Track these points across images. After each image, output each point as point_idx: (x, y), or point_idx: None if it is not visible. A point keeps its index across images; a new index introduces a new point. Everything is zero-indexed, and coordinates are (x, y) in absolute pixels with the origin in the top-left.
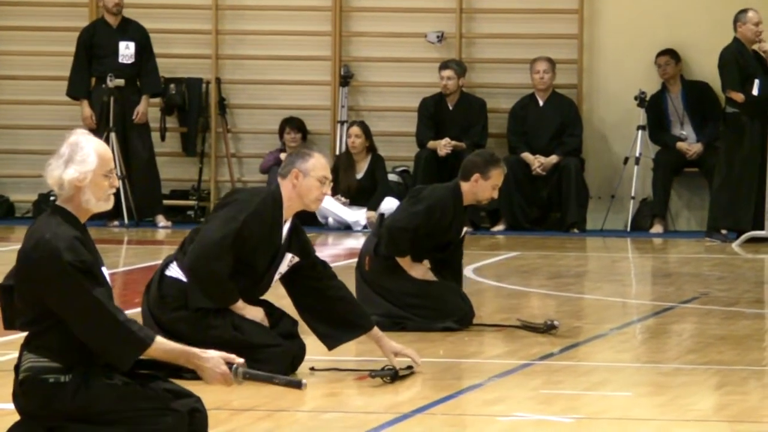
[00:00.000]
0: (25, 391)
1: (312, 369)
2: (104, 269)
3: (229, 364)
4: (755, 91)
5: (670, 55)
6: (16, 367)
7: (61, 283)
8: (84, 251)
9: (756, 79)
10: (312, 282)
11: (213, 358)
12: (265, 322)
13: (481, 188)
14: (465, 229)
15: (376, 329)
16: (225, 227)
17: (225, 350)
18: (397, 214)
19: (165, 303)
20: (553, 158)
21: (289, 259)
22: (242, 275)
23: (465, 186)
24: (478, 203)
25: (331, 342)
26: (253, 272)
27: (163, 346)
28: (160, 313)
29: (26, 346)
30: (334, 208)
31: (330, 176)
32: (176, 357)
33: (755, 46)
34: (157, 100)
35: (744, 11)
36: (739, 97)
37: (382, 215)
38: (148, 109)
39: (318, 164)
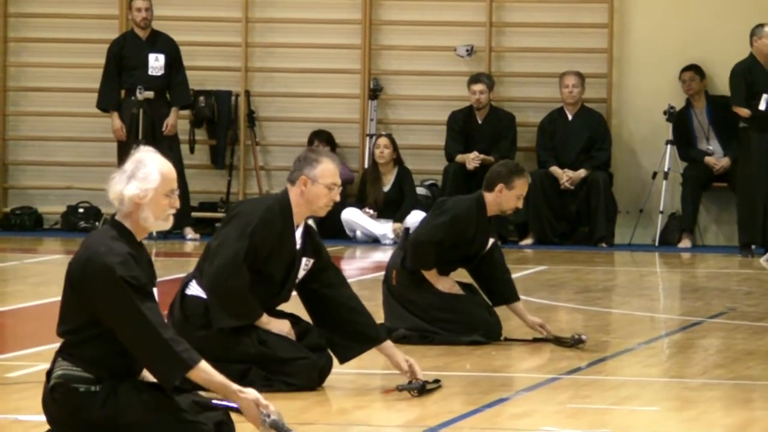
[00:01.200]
0: (55, 398)
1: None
2: (155, 290)
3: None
4: (762, 106)
5: (694, 70)
6: (48, 373)
7: (111, 297)
8: (136, 268)
9: (765, 93)
10: (323, 288)
11: (247, 398)
12: (292, 335)
13: (505, 198)
14: (491, 240)
15: (388, 342)
16: (235, 244)
17: (252, 365)
18: (421, 228)
19: (189, 323)
20: (582, 172)
21: (304, 264)
22: (261, 286)
23: (489, 197)
24: (503, 213)
25: (342, 353)
26: (272, 282)
27: (205, 372)
28: (185, 333)
29: (61, 354)
30: (361, 220)
31: (339, 182)
32: (215, 387)
33: None
34: (187, 112)
35: (761, 26)
36: (743, 112)
37: (407, 229)
38: (177, 121)
39: (327, 171)
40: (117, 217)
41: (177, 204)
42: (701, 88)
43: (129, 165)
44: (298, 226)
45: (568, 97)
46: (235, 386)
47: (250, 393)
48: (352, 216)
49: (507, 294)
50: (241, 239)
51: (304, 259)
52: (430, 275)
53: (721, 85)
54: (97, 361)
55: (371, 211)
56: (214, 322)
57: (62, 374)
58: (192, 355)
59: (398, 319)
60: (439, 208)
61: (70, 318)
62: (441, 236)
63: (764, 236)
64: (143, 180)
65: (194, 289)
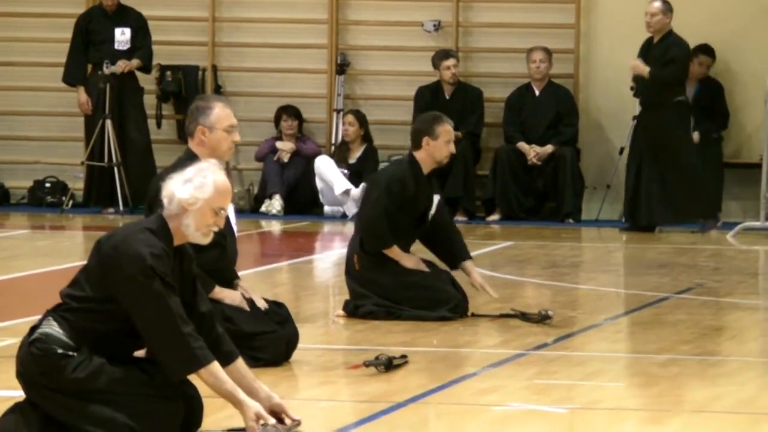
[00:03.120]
0: (32, 351)
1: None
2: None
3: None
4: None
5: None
6: (33, 328)
7: (138, 282)
8: (167, 265)
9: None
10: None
11: (250, 409)
12: (244, 305)
13: (435, 148)
14: (437, 197)
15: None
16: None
17: None
18: (363, 208)
19: None
20: (549, 148)
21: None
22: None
23: (420, 154)
24: (440, 164)
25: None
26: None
27: (215, 374)
28: None
29: (53, 313)
30: (330, 171)
31: (236, 123)
32: (223, 392)
33: None
34: (153, 87)
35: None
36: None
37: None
38: (130, 67)
39: (221, 115)
40: (163, 214)
41: (221, 224)
42: None
43: (191, 170)
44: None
45: (536, 73)
46: (242, 395)
47: (253, 405)
48: (324, 164)
49: (460, 252)
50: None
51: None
52: (394, 253)
53: None
54: (85, 334)
55: (346, 171)
56: None
57: (47, 332)
58: (206, 354)
59: (365, 300)
60: (372, 182)
61: (84, 286)
62: (384, 205)
63: (635, 213)
64: (198, 188)
65: None
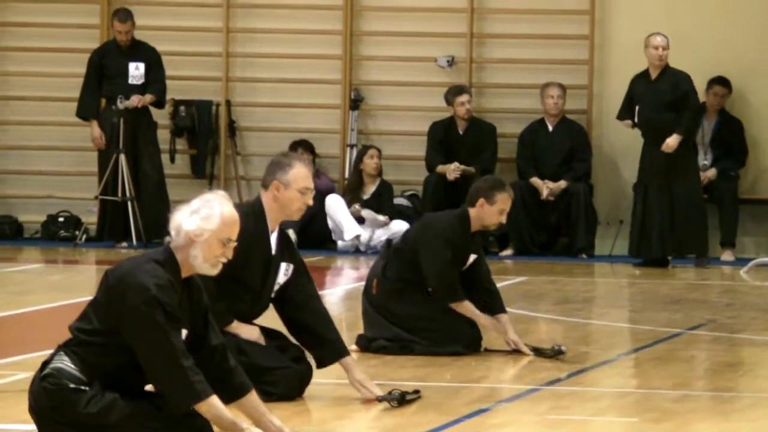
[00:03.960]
0: (44, 386)
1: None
2: (183, 332)
3: None
4: (636, 118)
5: None
6: (45, 363)
7: (142, 314)
8: (173, 296)
9: (637, 105)
10: (295, 293)
11: None
12: (262, 341)
13: (487, 213)
14: (473, 256)
15: (349, 358)
16: None
17: None
18: (427, 263)
19: None
20: (562, 183)
21: (284, 269)
22: (239, 294)
23: (472, 212)
24: (486, 228)
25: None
26: (250, 290)
27: (215, 407)
28: None
29: (64, 348)
30: (340, 210)
31: (312, 186)
32: (225, 425)
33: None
34: (167, 122)
35: (653, 35)
36: (626, 124)
37: (389, 240)
38: (144, 102)
39: (299, 175)
40: (171, 246)
41: (230, 255)
42: None
43: (197, 201)
44: (272, 232)
45: (552, 108)
46: (245, 425)
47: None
48: (335, 204)
49: (494, 305)
50: None
51: (283, 265)
52: (465, 309)
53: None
54: (97, 368)
55: (358, 207)
56: None
57: (58, 367)
58: (205, 388)
59: (378, 328)
60: (422, 229)
61: (91, 318)
62: (447, 258)
63: (647, 246)
64: (204, 219)
65: None
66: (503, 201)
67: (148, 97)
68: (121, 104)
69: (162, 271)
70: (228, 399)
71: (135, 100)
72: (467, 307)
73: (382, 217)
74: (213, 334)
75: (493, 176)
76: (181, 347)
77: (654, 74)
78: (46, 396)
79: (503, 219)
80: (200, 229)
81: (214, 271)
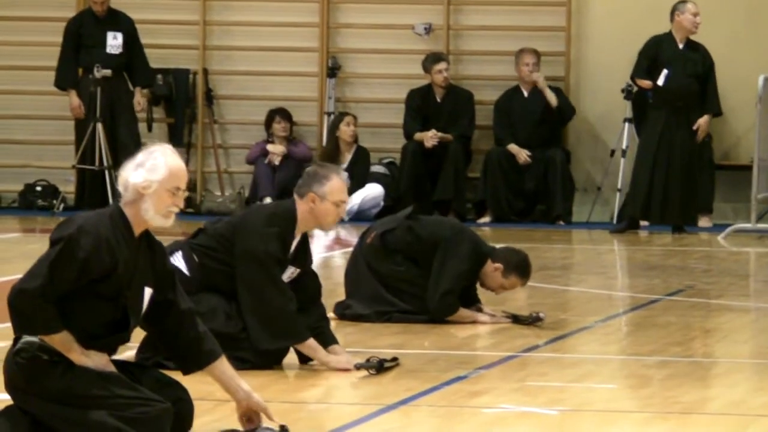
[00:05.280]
0: (17, 361)
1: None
2: (146, 290)
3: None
4: (660, 81)
5: None
6: (17, 338)
7: (52, 251)
8: (102, 253)
9: (665, 70)
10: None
11: (241, 401)
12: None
13: (493, 278)
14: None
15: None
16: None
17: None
18: (440, 282)
19: None
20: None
21: (290, 272)
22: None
23: (488, 266)
24: (481, 284)
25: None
26: None
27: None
28: None
29: None
30: None
31: (347, 198)
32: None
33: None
34: (145, 90)
35: (684, 2)
36: (645, 83)
37: (419, 205)
38: (141, 101)
39: (335, 188)
40: (120, 203)
41: (181, 203)
42: None
43: (142, 155)
44: (296, 238)
45: (527, 75)
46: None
47: (246, 394)
48: None
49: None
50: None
51: (290, 268)
52: (460, 316)
53: None
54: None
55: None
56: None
57: (30, 340)
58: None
59: (361, 283)
60: (449, 245)
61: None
62: (460, 287)
63: (646, 211)
64: (150, 170)
65: (178, 261)
66: (513, 283)
67: (140, 94)
68: (98, 73)
69: (103, 226)
70: (198, 365)
71: (140, 109)
72: (462, 314)
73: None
74: (182, 298)
75: (525, 256)
76: (49, 297)
77: (682, 42)
78: (20, 371)
79: (499, 293)
80: (147, 181)
81: (167, 222)
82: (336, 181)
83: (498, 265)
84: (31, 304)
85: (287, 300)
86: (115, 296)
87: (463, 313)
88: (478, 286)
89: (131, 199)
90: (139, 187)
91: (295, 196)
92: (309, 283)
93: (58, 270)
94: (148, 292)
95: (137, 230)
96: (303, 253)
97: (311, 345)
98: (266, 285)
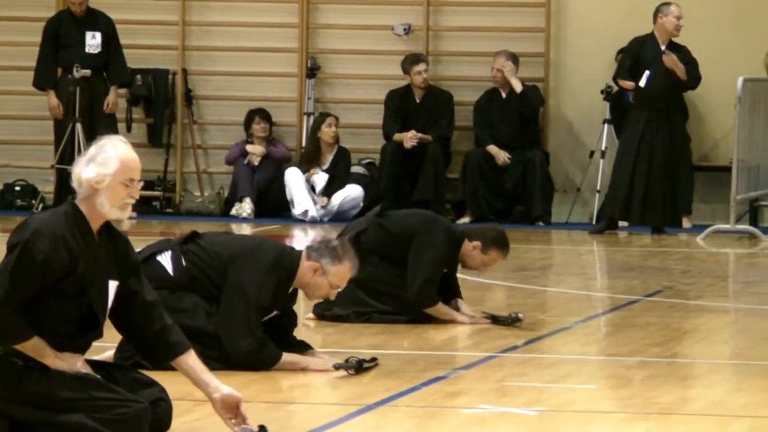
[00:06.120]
0: None
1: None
2: (111, 283)
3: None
4: (642, 83)
5: None
6: None
7: (11, 258)
8: (60, 252)
9: (647, 71)
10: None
11: (212, 394)
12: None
13: (473, 257)
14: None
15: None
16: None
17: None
18: (418, 273)
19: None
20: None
21: (271, 314)
22: None
23: (466, 245)
24: (462, 265)
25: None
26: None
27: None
28: None
29: None
30: (297, 186)
31: (343, 285)
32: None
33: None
34: (124, 91)
35: (667, 4)
36: (627, 84)
37: (384, 207)
38: (117, 100)
39: (341, 273)
40: (75, 200)
41: (136, 194)
42: None
43: (92, 149)
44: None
45: (500, 80)
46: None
47: (220, 391)
48: (292, 177)
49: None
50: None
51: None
52: (438, 311)
53: None
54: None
55: (320, 170)
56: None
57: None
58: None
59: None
60: (424, 236)
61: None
62: (438, 276)
63: (626, 212)
64: (102, 164)
65: (165, 260)
66: (493, 259)
67: (114, 93)
68: (77, 73)
69: (58, 225)
70: (166, 357)
71: (111, 105)
72: (441, 310)
73: (320, 199)
74: (147, 290)
75: (502, 232)
76: (13, 301)
77: (664, 43)
78: None
79: (483, 272)
80: (100, 175)
81: (124, 215)
82: (346, 269)
83: (476, 243)
84: None
85: (256, 343)
86: (78, 294)
87: (443, 309)
88: (462, 270)
89: (86, 194)
90: (93, 181)
91: (304, 253)
92: (285, 320)
93: (19, 277)
94: (113, 285)
95: (95, 225)
96: (289, 300)
97: (286, 362)
98: (241, 324)
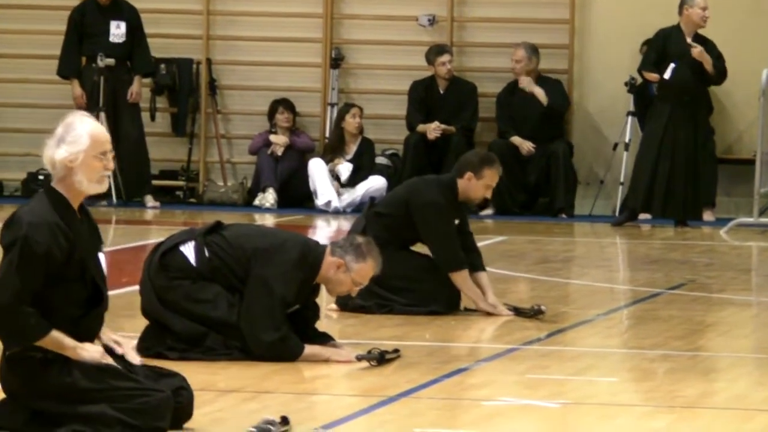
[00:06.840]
0: (11, 366)
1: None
2: (101, 256)
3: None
4: (667, 75)
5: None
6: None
7: (12, 256)
8: (58, 238)
9: (673, 63)
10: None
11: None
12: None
13: (473, 187)
14: (456, 221)
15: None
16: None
17: (210, 330)
18: (432, 238)
19: (165, 271)
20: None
21: (293, 307)
22: None
23: (460, 183)
24: (469, 201)
25: None
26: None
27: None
28: (156, 277)
29: None
30: (320, 176)
31: (366, 283)
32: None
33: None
34: (148, 80)
35: None
36: (652, 77)
37: (372, 199)
38: (141, 89)
39: (363, 271)
40: (52, 184)
41: (111, 166)
42: None
43: (59, 129)
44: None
45: (520, 71)
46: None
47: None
48: (315, 167)
49: (475, 263)
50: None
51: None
52: (463, 279)
53: None
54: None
55: (345, 161)
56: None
57: None
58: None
59: None
60: (416, 199)
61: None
62: (450, 228)
63: (648, 204)
64: (72, 143)
65: (189, 250)
66: (491, 177)
67: (138, 82)
68: (101, 62)
69: (46, 212)
70: None
71: (133, 96)
72: (468, 285)
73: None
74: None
75: (485, 151)
76: (26, 292)
77: (690, 35)
78: (15, 374)
79: (488, 194)
80: (72, 154)
81: (102, 188)
82: (369, 267)
83: (468, 174)
84: (11, 316)
85: (279, 337)
86: (80, 275)
87: (470, 286)
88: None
89: (62, 175)
90: (66, 161)
91: (328, 249)
92: (308, 313)
93: (26, 272)
94: (102, 258)
95: (75, 204)
96: (311, 293)
97: (309, 354)
98: (266, 318)
